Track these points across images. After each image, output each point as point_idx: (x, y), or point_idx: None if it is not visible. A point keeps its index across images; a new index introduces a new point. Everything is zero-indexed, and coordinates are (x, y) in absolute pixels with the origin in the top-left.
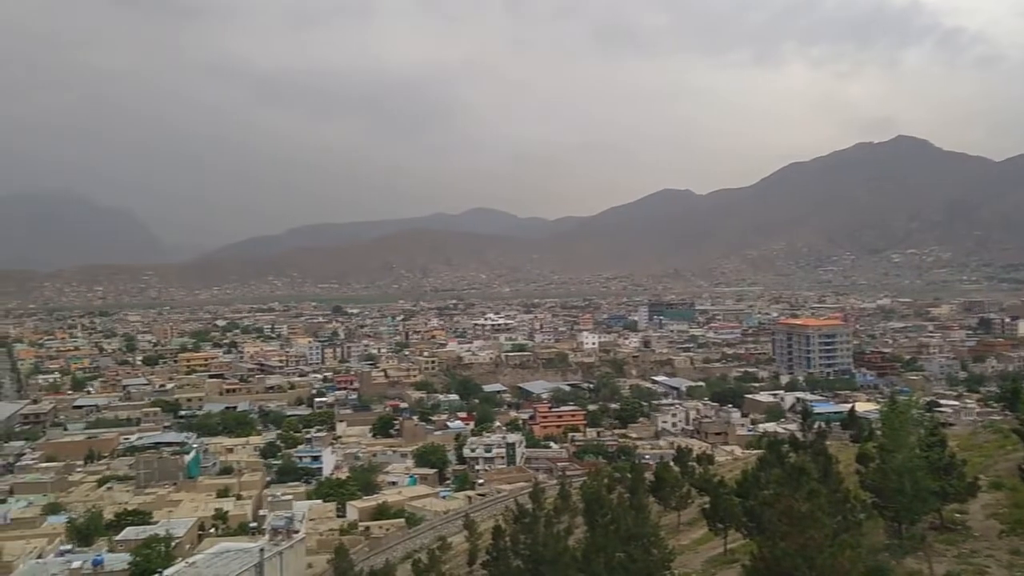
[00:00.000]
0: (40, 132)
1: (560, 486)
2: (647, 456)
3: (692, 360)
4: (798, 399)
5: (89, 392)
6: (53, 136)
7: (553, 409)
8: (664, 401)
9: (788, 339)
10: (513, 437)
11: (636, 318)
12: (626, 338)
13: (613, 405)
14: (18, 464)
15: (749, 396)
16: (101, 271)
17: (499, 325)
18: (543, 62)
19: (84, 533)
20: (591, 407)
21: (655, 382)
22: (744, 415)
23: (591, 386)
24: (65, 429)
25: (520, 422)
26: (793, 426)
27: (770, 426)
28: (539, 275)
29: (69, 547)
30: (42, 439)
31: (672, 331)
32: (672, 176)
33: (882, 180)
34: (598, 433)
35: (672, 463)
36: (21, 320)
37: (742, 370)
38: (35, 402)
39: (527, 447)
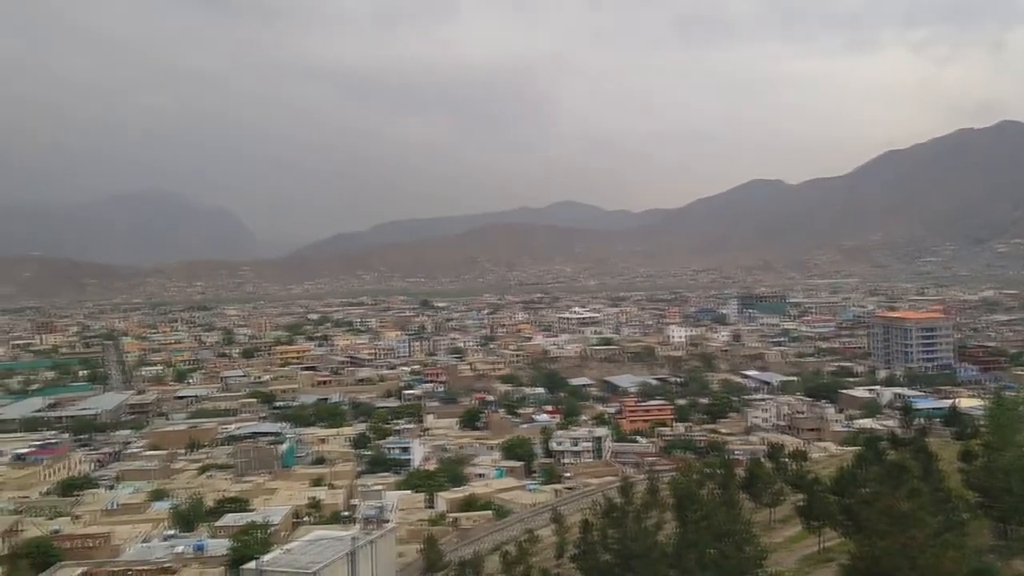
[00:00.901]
0: (139, 134)
1: (648, 481)
2: (738, 452)
3: (784, 354)
4: (896, 395)
5: (190, 383)
6: (152, 138)
7: (640, 403)
8: (755, 396)
9: (885, 333)
10: (600, 431)
11: (726, 311)
12: (715, 332)
13: (702, 400)
14: (125, 452)
15: (844, 391)
16: (200, 267)
17: (585, 319)
18: (626, 53)
19: (187, 519)
20: (679, 402)
21: (746, 376)
22: (839, 411)
23: (679, 380)
24: (168, 419)
25: (607, 416)
26: (891, 422)
27: (867, 422)
28: (625, 268)
29: (173, 532)
30: (147, 428)
31: (763, 324)
32: (762, 166)
33: (985, 167)
34: (687, 428)
35: (764, 459)
36: (127, 315)
37: (837, 365)
38: (140, 393)
39: (614, 441)
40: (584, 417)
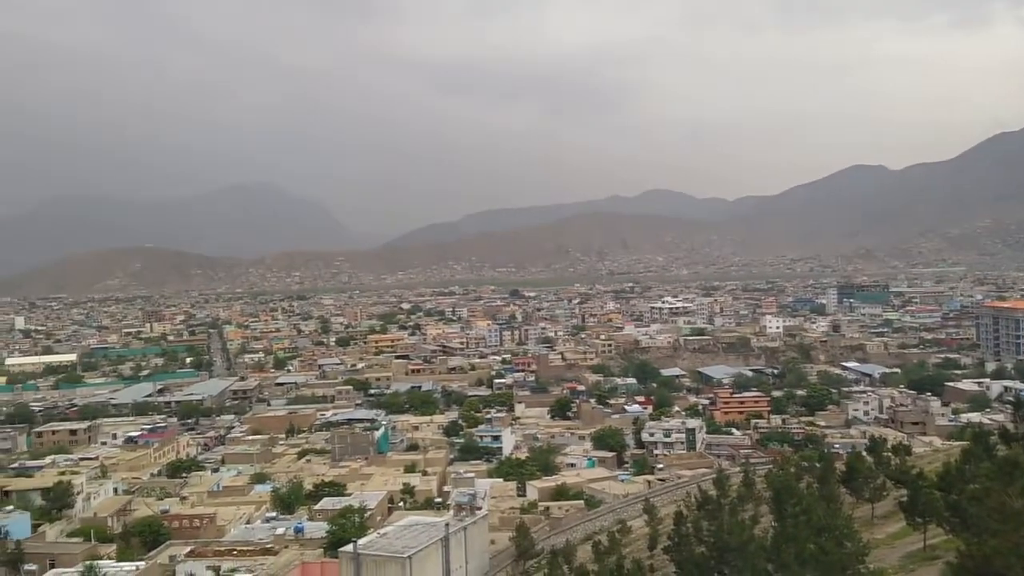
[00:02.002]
0: (244, 130)
1: (744, 474)
2: (837, 445)
3: (886, 345)
4: (1007, 388)
5: (289, 371)
6: (256, 133)
7: (735, 395)
8: (855, 388)
9: (994, 323)
10: (693, 422)
11: (824, 301)
12: (813, 322)
13: (799, 392)
14: (229, 436)
15: (950, 384)
16: (298, 258)
17: (677, 308)
18: (723, 36)
19: (287, 502)
20: (775, 393)
21: (845, 368)
22: (945, 404)
23: (775, 372)
24: (269, 405)
25: (700, 407)
26: (1001, 417)
27: (975, 416)
28: (719, 257)
29: (274, 514)
30: (249, 413)
31: (864, 315)
32: (863, 151)
33: None
34: (783, 420)
35: (865, 453)
36: (229, 304)
37: (942, 356)
38: (242, 379)
39: (708, 433)
40: (676, 408)
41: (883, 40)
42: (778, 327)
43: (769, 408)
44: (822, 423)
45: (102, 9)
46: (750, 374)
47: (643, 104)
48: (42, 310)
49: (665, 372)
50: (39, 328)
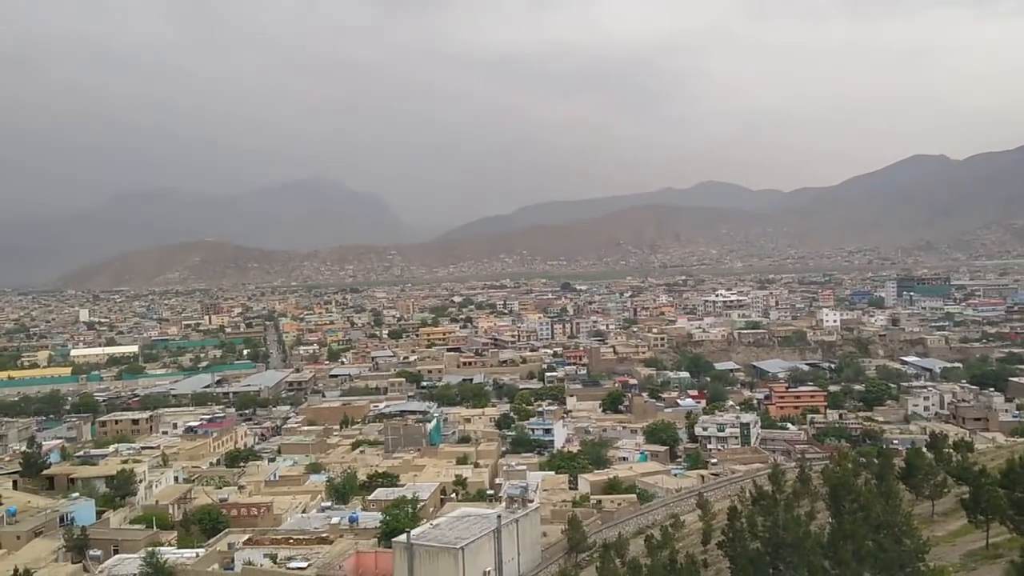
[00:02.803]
0: (301, 126)
1: (799, 469)
2: (895, 441)
3: (947, 339)
4: None
5: (343, 363)
6: (312, 129)
7: (791, 389)
8: (915, 383)
9: None
10: (747, 417)
11: (883, 294)
12: (871, 315)
13: (857, 386)
14: (285, 426)
15: (1014, 379)
16: (351, 251)
17: (731, 302)
18: (784, 25)
19: (341, 492)
20: (832, 388)
21: (904, 363)
22: (1008, 400)
23: (832, 366)
24: (323, 396)
25: (755, 402)
26: None
27: None
28: (774, 249)
29: (329, 504)
30: (304, 404)
31: (924, 308)
32: (924, 141)
33: None
34: (840, 416)
35: (925, 449)
36: (285, 297)
37: (1006, 351)
38: (298, 371)
39: (763, 428)
40: (730, 402)
41: (948, 27)
42: (835, 320)
43: (826, 403)
44: (880, 418)
45: (169, 11)
46: (806, 368)
47: (698, 95)
48: (105, 303)
49: (719, 366)
50: (103, 320)
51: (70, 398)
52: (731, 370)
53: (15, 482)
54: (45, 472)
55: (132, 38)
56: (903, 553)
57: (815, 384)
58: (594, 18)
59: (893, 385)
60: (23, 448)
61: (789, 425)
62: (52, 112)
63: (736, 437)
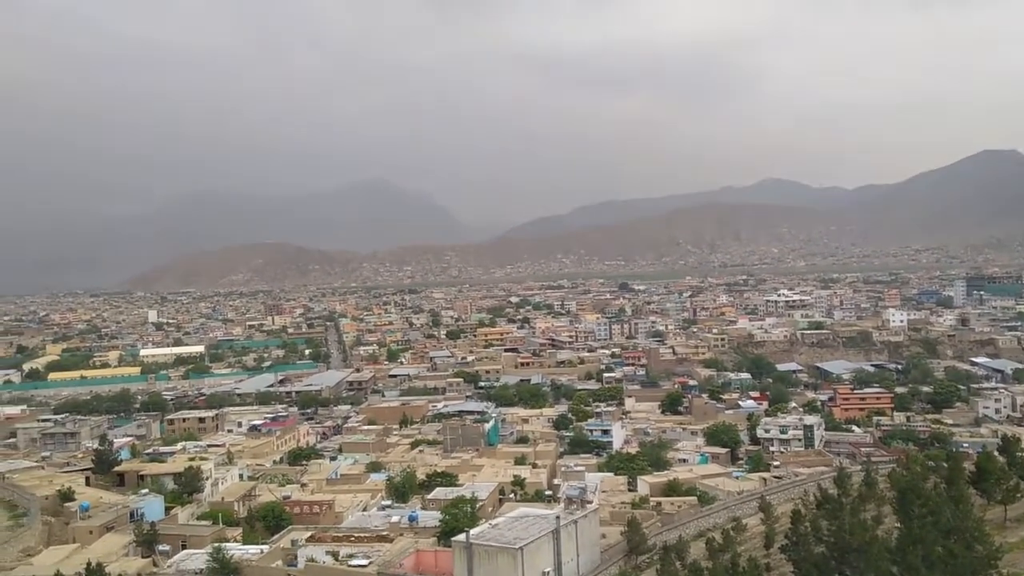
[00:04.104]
0: (362, 128)
1: (865, 473)
2: (965, 444)
3: (1020, 340)
4: None
5: (402, 363)
6: (372, 131)
7: (855, 391)
8: (985, 385)
9: None
10: (811, 419)
11: (951, 293)
12: (939, 315)
13: (925, 388)
14: (345, 426)
15: None
16: (409, 252)
17: (793, 301)
18: (847, 18)
19: (400, 490)
20: (899, 390)
21: (974, 364)
22: None
23: (899, 367)
24: (383, 396)
25: (818, 403)
26: None
27: None
28: (838, 248)
29: (388, 502)
30: (364, 404)
31: (995, 308)
32: (994, 136)
33: None
34: (907, 418)
35: (996, 453)
36: (345, 297)
37: None
38: (358, 371)
39: (826, 430)
40: (793, 404)
41: (1017, 17)
42: (902, 321)
43: (892, 405)
44: (949, 421)
45: (232, 14)
46: (871, 369)
47: (758, 91)
48: (172, 304)
49: (781, 367)
50: (170, 321)
51: (139, 397)
52: (794, 371)
53: (88, 478)
54: (116, 469)
55: (197, 45)
56: (974, 559)
57: (881, 386)
58: (650, 14)
59: (962, 387)
60: (95, 445)
61: (854, 427)
62: (120, 117)
63: (799, 439)
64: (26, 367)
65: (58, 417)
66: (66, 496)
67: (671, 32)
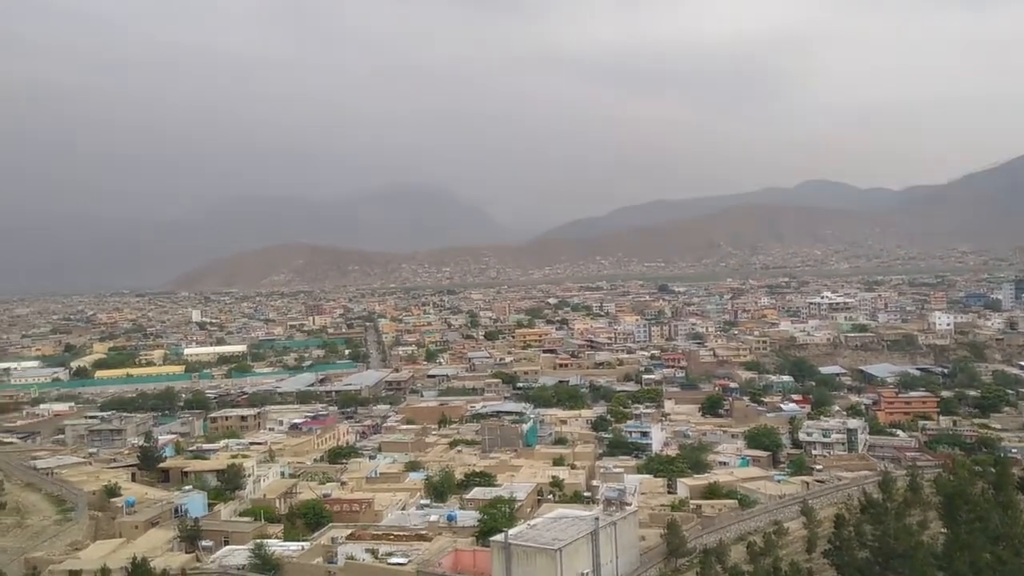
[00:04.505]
0: (400, 131)
1: (910, 478)
2: (1014, 450)
3: None
4: None
5: (440, 363)
6: (410, 133)
7: (900, 394)
8: None
9: None
10: (854, 423)
11: (999, 296)
12: (987, 319)
13: (971, 392)
14: (384, 425)
15: None
16: (448, 254)
17: (836, 304)
18: (892, 15)
19: (439, 490)
20: (945, 394)
21: (1023, 368)
22: None
23: (945, 371)
24: (421, 396)
25: (862, 407)
26: None
27: None
28: (882, 250)
29: (427, 502)
30: (402, 404)
31: None
32: None
33: None
34: (954, 422)
35: None
36: (384, 298)
37: None
38: (396, 371)
39: (870, 434)
40: (836, 407)
41: None
42: (948, 324)
43: (938, 409)
44: (997, 426)
45: (274, 23)
46: (917, 373)
47: (801, 91)
48: (216, 303)
49: (823, 370)
50: (213, 320)
51: (183, 395)
52: (836, 374)
53: (133, 474)
54: (160, 465)
55: (238, 51)
56: (1023, 566)
57: (926, 389)
58: (690, 15)
59: (1010, 391)
60: (140, 442)
61: (898, 432)
62: (163, 124)
63: (842, 443)
64: (74, 365)
65: (105, 414)
66: (112, 492)
67: (712, 33)
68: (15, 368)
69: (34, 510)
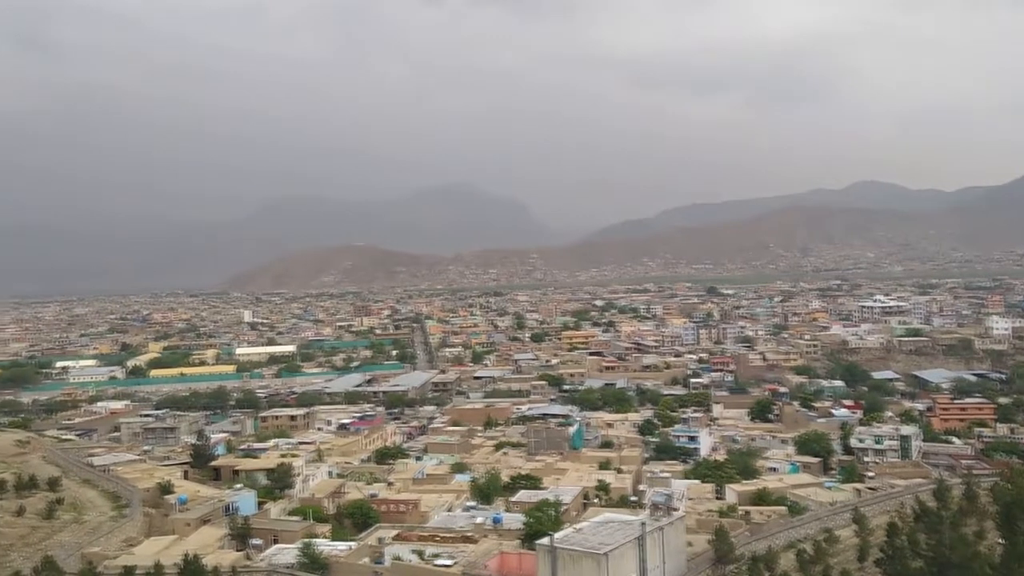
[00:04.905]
0: (446, 133)
1: (966, 486)
2: None
3: None
4: None
5: (486, 365)
6: (456, 135)
7: (955, 400)
8: None
9: None
10: (908, 429)
11: None
12: None
13: None
14: (430, 426)
15: None
16: (494, 255)
17: (889, 307)
18: (945, 14)
19: (485, 492)
20: (1002, 400)
21: None
22: None
23: (1002, 376)
24: (467, 397)
25: (916, 413)
26: None
27: None
28: (936, 252)
29: (473, 504)
30: (449, 405)
31: None
32: None
33: None
34: (1011, 430)
35: None
36: (430, 299)
37: None
38: (443, 372)
39: (924, 441)
40: (888, 413)
41: None
42: (1006, 328)
43: (995, 416)
44: None
45: (318, 29)
46: (973, 379)
47: (851, 91)
48: (266, 304)
49: (876, 375)
50: (264, 321)
51: (234, 394)
52: (889, 379)
53: (185, 472)
54: (212, 464)
55: (286, 57)
56: None
57: (983, 396)
58: (741, 14)
59: None
60: (193, 440)
61: (954, 439)
62: (215, 129)
63: (895, 450)
64: (130, 364)
65: (159, 412)
66: (165, 489)
67: (761, 33)
68: (74, 366)
69: (91, 506)
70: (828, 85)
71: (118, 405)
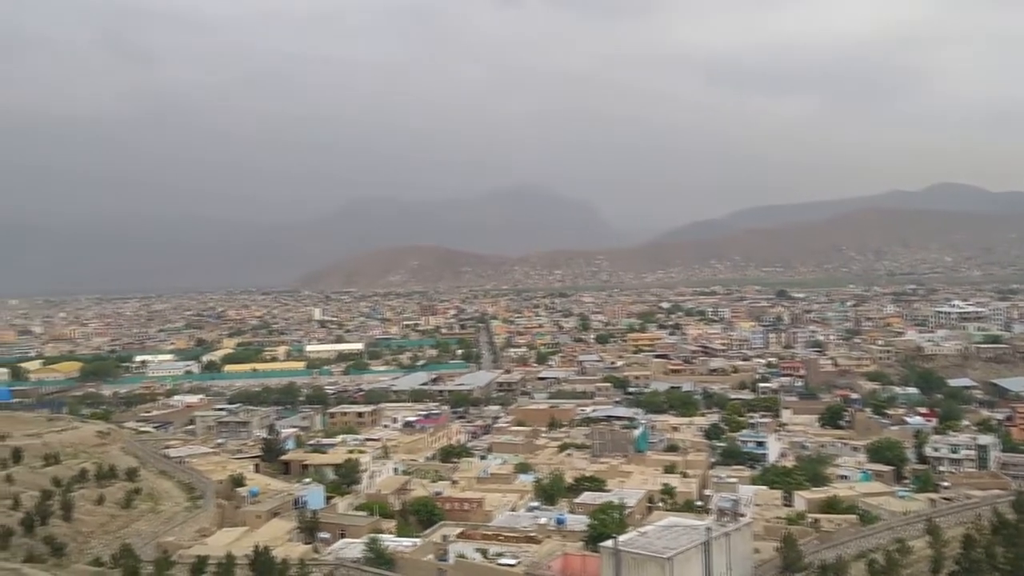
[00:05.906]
0: (515, 133)
1: None
2: None
3: None
4: None
5: (551, 366)
6: (525, 136)
7: None
8: None
9: None
10: (985, 438)
11: None
12: None
13: None
14: (495, 426)
15: None
16: (560, 256)
17: (967, 313)
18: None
19: (548, 493)
20: None
21: None
22: None
23: None
24: (531, 398)
25: (994, 422)
26: None
27: None
28: (1018, 257)
29: (536, 504)
30: (513, 405)
31: None
32: None
33: None
34: None
35: None
36: (496, 300)
37: None
38: (507, 372)
39: (1003, 451)
40: (965, 422)
41: None
42: None
43: None
44: None
45: (400, 32)
46: None
47: (930, 90)
48: (335, 302)
49: (952, 382)
50: (333, 319)
51: (304, 390)
52: (966, 387)
53: (256, 465)
54: (282, 458)
55: (363, 53)
56: None
57: None
58: (814, 13)
59: None
60: (264, 435)
61: None
62: (293, 129)
63: (972, 460)
64: (205, 359)
65: (232, 407)
66: (237, 481)
67: (836, 32)
68: (152, 361)
69: (166, 496)
70: (907, 84)
71: (193, 399)
